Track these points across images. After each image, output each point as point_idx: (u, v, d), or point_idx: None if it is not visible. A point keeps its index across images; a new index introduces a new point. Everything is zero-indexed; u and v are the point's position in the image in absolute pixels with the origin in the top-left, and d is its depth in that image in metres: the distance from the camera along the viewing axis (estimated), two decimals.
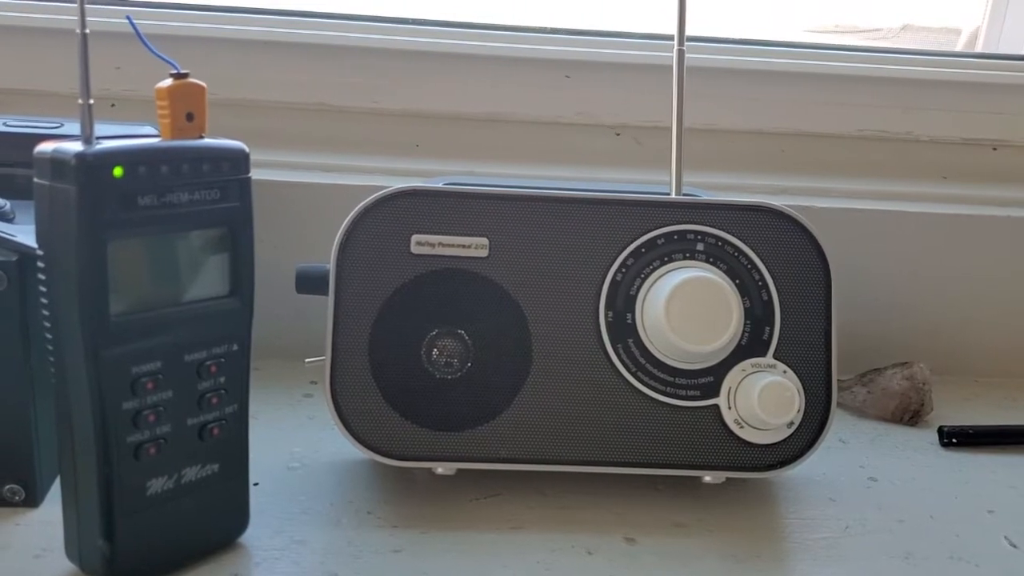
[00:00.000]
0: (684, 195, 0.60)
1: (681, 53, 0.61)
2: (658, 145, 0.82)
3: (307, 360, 0.59)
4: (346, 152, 0.79)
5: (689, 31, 0.61)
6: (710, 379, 0.56)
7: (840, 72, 0.83)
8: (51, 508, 0.53)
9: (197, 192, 0.45)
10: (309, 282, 0.58)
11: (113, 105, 0.75)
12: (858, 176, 0.83)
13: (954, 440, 0.69)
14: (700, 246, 0.57)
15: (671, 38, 0.61)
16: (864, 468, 0.65)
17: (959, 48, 1.05)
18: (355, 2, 0.86)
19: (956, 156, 0.86)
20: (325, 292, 0.56)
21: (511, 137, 0.82)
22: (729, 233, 0.57)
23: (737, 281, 0.56)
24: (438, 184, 0.59)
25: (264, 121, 0.79)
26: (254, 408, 0.50)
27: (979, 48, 0.96)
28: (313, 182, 0.75)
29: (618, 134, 0.83)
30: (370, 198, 0.56)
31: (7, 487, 0.53)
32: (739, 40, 0.86)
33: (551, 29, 0.83)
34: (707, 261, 0.57)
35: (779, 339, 0.57)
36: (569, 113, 0.82)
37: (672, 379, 0.56)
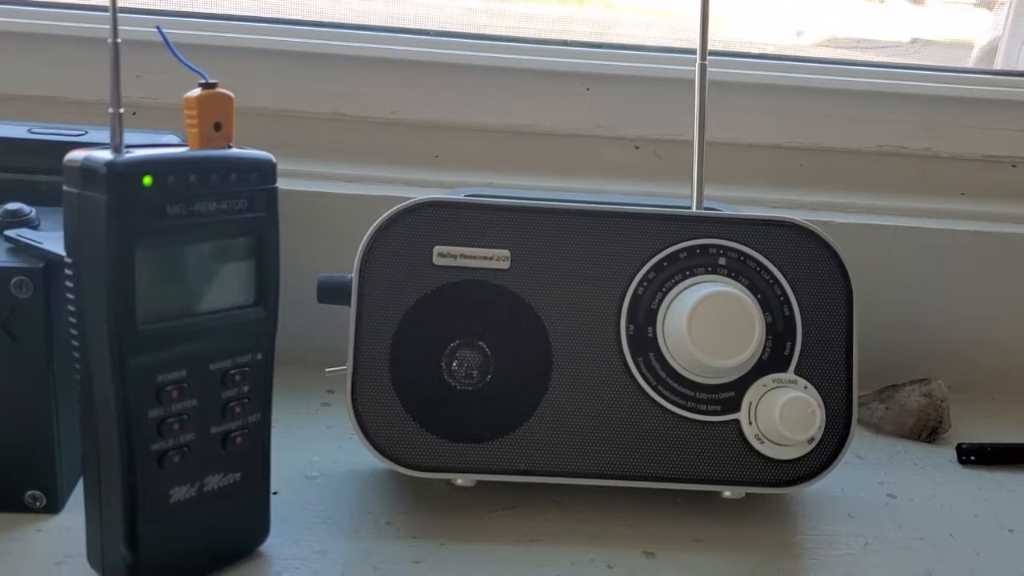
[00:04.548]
0: (705, 209, 0.60)
1: (703, 68, 0.61)
2: (676, 158, 0.82)
3: (327, 370, 0.59)
4: (364, 162, 0.79)
5: (709, 46, 0.61)
6: (731, 394, 0.56)
7: (860, 88, 0.83)
8: (72, 514, 0.53)
9: (225, 201, 0.45)
10: (331, 292, 0.58)
11: (134, 113, 0.76)
12: (877, 192, 0.83)
13: (972, 458, 0.69)
14: (722, 260, 0.57)
15: (689, 52, 0.61)
16: (883, 485, 0.65)
17: (972, 62, 1.05)
18: (375, 12, 0.86)
19: (975, 173, 0.86)
20: (346, 302, 0.56)
21: (530, 149, 0.82)
22: (751, 248, 0.57)
23: (759, 296, 0.56)
24: (460, 195, 0.59)
25: (281, 130, 0.80)
26: (272, 416, 0.50)
27: (996, 63, 0.96)
28: (331, 192, 0.75)
29: (637, 147, 0.83)
30: (393, 209, 0.56)
31: (29, 493, 0.53)
32: (758, 55, 0.86)
33: (571, 42, 0.83)
34: (729, 276, 0.57)
35: (800, 354, 0.57)
36: (588, 125, 0.82)
37: (693, 394, 0.56)
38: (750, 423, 0.56)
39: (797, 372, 0.57)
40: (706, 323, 0.54)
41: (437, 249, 0.56)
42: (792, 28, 1.15)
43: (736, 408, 0.56)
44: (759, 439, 0.56)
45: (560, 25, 0.98)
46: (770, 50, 0.96)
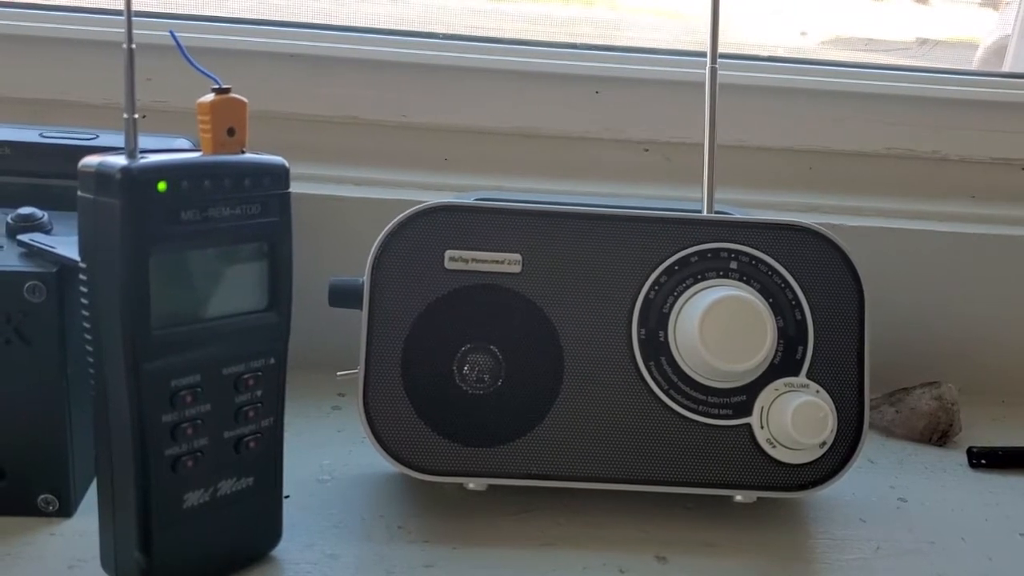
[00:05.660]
0: (716, 213, 0.60)
1: (714, 71, 0.61)
2: (686, 161, 0.82)
3: (339, 373, 0.59)
4: (376, 166, 0.79)
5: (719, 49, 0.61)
6: (743, 398, 0.56)
7: (869, 90, 0.83)
8: (85, 518, 0.53)
9: (238, 207, 0.45)
10: (342, 296, 0.58)
11: (144, 116, 0.75)
12: (886, 194, 0.83)
13: (983, 461, 0.69)
14: (734, 264, 0.57)
15: (699, 55, 0.61)
16: (894, 489, 0.65)
17: (977, 61, 1.05)
18: (381, 15, 0.86)
19: (984, 175, 0.86)
20: (358, 306, 0.56)
21: (540, 152, 0.82)
22: (763, 252, 0.57)
23: (770, 300, 0.56)
24: (471, 199, 0.59)
25: (293, 134, 0.80)
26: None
27: (1004, 65, 0.96)
28: (342, 195, 0.75)
29: (647, 150, 0.83)
30: (405, 213, 0.56)
31: (41, 497, 0.53)
32: (768, 58, 0.86)
33: (581, 45, 0.83)
34: (741, 280, 0.57)
35: (812, 358, 0.57)
36: (598, 128, 0.82)
37: (704, 398, 0.56)
38: (762, 427, 0.56)
39: (809, 376, 0.57)
40: (718, 327, 0.54)
41: (448, 253, 0.56)
42: (796, 29, 1.15)
43: (748, 412, 0.56)
44: (771, 443, 0.56)
45: (569, 27, 0.98)
46: (777, 52, 0.96)
